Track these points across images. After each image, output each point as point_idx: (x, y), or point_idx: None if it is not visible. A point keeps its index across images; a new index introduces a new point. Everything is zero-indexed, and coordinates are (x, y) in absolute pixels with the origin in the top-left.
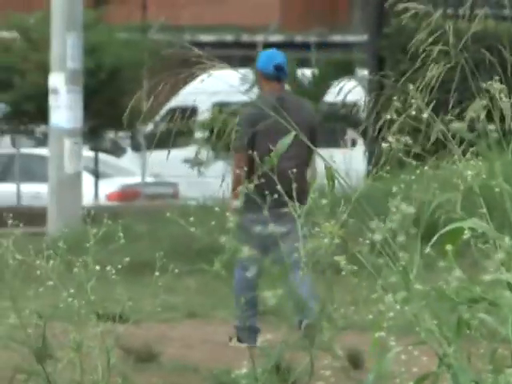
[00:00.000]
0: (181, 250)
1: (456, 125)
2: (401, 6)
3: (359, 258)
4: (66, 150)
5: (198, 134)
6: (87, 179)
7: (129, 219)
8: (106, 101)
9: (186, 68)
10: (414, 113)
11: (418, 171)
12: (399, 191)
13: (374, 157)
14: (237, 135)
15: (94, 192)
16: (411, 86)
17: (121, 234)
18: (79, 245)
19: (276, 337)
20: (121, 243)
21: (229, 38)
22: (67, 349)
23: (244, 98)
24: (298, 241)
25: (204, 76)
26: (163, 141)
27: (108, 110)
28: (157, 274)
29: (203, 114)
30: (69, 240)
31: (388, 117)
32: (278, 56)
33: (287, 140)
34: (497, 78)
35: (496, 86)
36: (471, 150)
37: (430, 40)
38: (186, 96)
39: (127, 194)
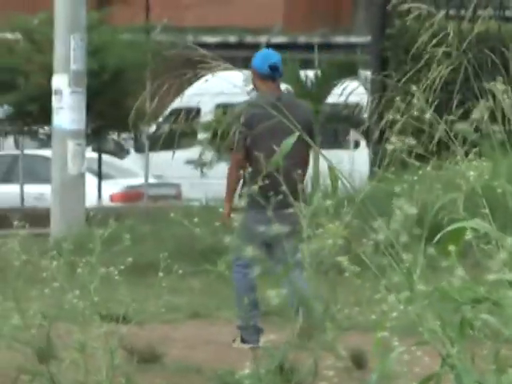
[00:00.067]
0: (184, 251)
1: (460, 125)
2: (405, 6)
3: (363, 258)
4: (70, 151)
5: (201, 135)
6: (90, 180)
7: (132, 220)
8: (110, 102)
9: (189, 69)
10: (416, 113)
11: (420, 172)
12: (402, 192)
13: (377, 158)
14: (233, 136)
15: (98, 193)
16: (414, 87)
17: (127, 236)
18: (83, 246)
19: (279, 337)
20: (125, 244)
21: (232, 39)
22: (71, 349)
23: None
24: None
25: (208, 76)
26: (166, 142)
27: (111, 111)
28: (161, 274)
29: (206, 116)
30: (72, 241)
31: (390, 117)
32: (273, 56)
33: (291, 140)
34: (500, 78)
35: (499, 86)
36: (474, 150)
37: (433, 41)
38: (190, 97)
39: (130, 195)
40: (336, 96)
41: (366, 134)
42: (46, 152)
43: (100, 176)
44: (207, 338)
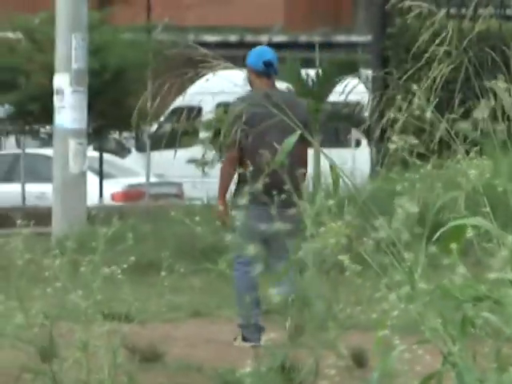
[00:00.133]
0: (185, 250)
1: (461, 124)
2: (406, 4)
3: (364, 257)
4: (71, 150)
5: (203, 134)
6: (92, 179)
7: (133, 219)
8: (111, 101)
9: (190, 68)
10: (417, 112)
11: (422, 171)
12: (404, 191)
13: (379, 157)
14: (227, 133)
15: (99, 192)
16: (415, 86)
17: (130, 235)
18: (84, 245)
19: (280, 336)
20: (127, 243)
21: (233, 38)
22: (73, 348)
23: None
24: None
25: (209, 75)
26: (168, 141)
27: (112, 111)
28: (163, 274)
29: (208, 115)
30: (74, 240)
31: (391, 115)
32: (267, 52)
33: (292, 139)
34: (501, 76)
35: (501, 84)
36: (475, 149)
37: (434, 40)
38: (191, 96)
39: (132, 194)
40: (337, 95)
41: (367, 133)
42: (47, 151)
43: (101, 175)
44: (208, 337)
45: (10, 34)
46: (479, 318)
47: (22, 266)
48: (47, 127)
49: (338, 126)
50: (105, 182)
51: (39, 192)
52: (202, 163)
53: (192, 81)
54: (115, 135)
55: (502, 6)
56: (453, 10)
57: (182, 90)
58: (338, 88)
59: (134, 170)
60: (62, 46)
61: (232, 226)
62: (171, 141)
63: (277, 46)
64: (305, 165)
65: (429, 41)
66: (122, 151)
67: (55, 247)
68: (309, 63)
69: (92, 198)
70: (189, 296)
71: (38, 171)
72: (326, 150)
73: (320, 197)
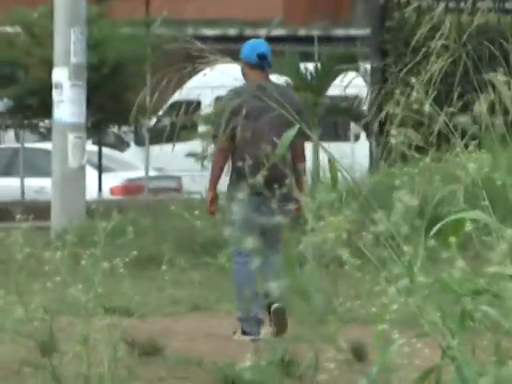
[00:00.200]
0: (185, 244)
1: (461, 118)
2: None
3: (363, 251)
4: (70, 144)
5: (202, 128)
6: (91, 173)
7: (132, 213)
8: (110, 95)
9: (189, 62)
10: (416, 106)
11: (421, 164)
12: (403, 184)
13: (379, 151)
14: (217, 125)
15: (98, 186)
16: (413, 79)
17: (130, 229)
18: (84, 239)
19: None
20: (127, 237)
21: (232, 31)
22: (74, 342)
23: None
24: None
25: (207, 70)
26: (167, 135)
27: (111, 105)
28: (164, 268)
29: (206, 108)
30: (73, 234)
31: (390, 110)
32: (261, 45)
33: (292, 132)
34: (501, 69)
35: (500, 77)
36: (474, 142)
37: (433, 34)
38: (190, 90)
39: (131, 188)
40: (336, 88)
41: (366, 127)
42: (46, 145)
43: (100, 169)
44: (208, 331)
45: (9, 28)
46: (478, 312)
47: (22, 260)
48: (46, 121)
49: (337, 120)
50: (104, 176)
51: (38, 186)
52: (201, 157)
53: (191, 75)
54: (114, 129)
55: (500, 0)
56: (451, 4)
57: (180, 84)
58: (337, 82)
59: (132, 163)
60: (61, 40)
61: (226, 218)
62: (170, 134)
63: (276, 40)
64: (301, 158)
65: (427, 34)
66: (120, 145)
67: (54, 241)
68: (308, 57)
69: (91, 192)
70: (188, 290)
71: (37, 165)
72: (325, 144)
73: (320, 191)
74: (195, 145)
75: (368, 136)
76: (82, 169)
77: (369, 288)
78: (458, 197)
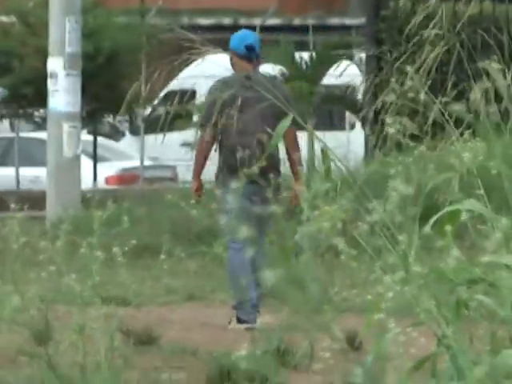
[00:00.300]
0: (180, 233)
1: (455, 106)
2: None
3: (358, 240)
4: (65, 133)
5: (196, 118)
6: (86, 163)
7: (128, 203)
8: (105, 85)
9: (183, 52)
10: (411, 94)
11: (415, 152)
12: (398, 173)
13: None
14: (202, 115)
15: (93, 176)
16: (408, 68)
17: (125, 218)
18: (79, 228)
19: (275, 318)
20: (122, 227)
21: (227, 21)
22: (70, 331)
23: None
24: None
25: (199, 60)
26: (162, 124)
27: (106, 94)
28: (162, 257)
29: (202, 98)
30: (69, 223)
31: (386, 99)
32: (249, 36)
33: (286, 123)
34: (495, 57)
35: (494, 65)
36: (469, 131)
37: (427, 23)
38: (184, 79)
39: (126, 178)
40: (331, 77)
41: (361, 116)
42: (41, 135)
43: (95, 158)
44: (203, 320)
45: (4, 18)
46: (473, 301)
47: (17, 249)
48: (41, 111)
49: (332, 109)
50: (99, 166)
51: (33, 176)
52: (195, 146)
53: (185, 65)
54: (109, 118)
55: None
56: None
57: (175, 73)
58: (332, 71)
59: (128, 153)
60: (56, 30)
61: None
62: (165, 124)
63: (271, 29)
64: (295, 147)
65: (422, 23)
66: (115, 134)
67: (50, 231)
68: (303, 46)
69: (86, 182)
70: (184, 279)
71: (32, 155)
72: (320, 133)
73: (315, 180)
74: (190, 134)
75: (363, 125)
76: (77, 158)
77: (364, 277)
78: (453, 185)
